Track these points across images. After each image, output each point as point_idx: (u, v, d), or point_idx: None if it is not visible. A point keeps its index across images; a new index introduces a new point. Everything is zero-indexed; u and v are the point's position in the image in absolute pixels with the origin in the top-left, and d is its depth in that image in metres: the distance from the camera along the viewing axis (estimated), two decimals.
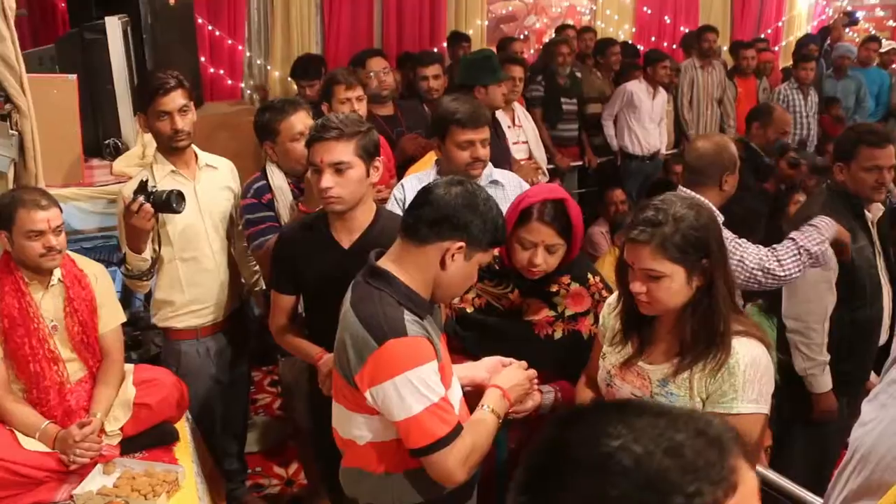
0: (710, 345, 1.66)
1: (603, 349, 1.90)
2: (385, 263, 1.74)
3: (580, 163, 6.01)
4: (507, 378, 1.86)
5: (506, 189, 2.98)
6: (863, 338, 2.92)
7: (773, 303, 3.19)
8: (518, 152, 4.48)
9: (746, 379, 1.64)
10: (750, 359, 1.65)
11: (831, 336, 2.84)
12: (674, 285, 1.64)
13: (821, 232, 2.70)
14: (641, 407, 0.78)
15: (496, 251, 1.95)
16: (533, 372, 1.92)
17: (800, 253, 2.67)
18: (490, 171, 2.97)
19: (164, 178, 2.80)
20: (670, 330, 1.74)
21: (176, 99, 2.71)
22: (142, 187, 2.53)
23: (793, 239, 2.71)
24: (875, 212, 2.94)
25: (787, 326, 2.93)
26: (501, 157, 3.80)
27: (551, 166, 5.47)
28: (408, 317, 1.66)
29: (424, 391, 1.62)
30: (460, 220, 1.67)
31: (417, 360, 1.62)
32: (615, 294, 1.91)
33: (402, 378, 1.60)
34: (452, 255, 1.68)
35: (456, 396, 1.79)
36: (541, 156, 4.66)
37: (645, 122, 5.92)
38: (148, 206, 2.51)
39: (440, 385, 1.66)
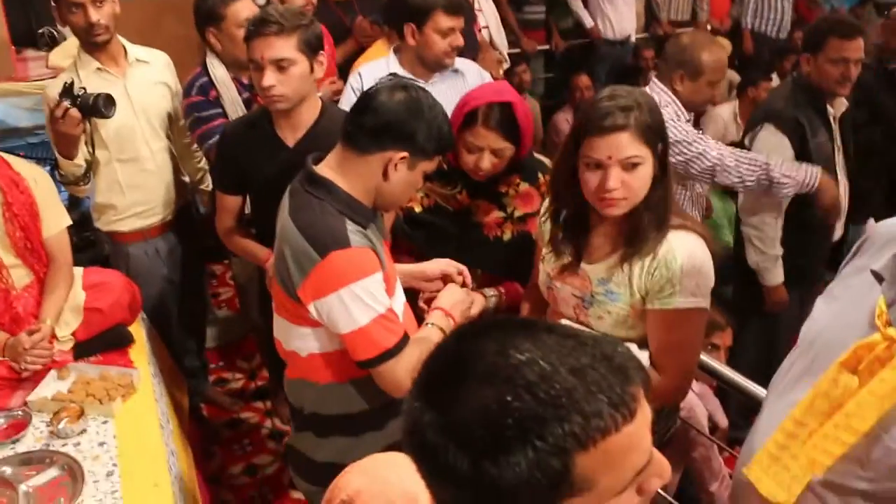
0: (654, 234, 1.64)
1: (542, 253, 1.87)
2: (324, 170, 1.67)
3: (546, 47, 5.82)
4: (448, 298, 1.85)
5: (466, 78, 2.92)
6: (817, 234, 2.95)
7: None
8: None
9: (684, 273, 1.62)
10: (687, 253, 1.63)
11: (786, 231, 2.87)
12: (647, 172, 1.59)
13: (797, 172, 2.66)
14: (550, 327, 0.77)
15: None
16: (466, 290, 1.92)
17: (761, 168, 2.64)
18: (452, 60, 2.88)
19: (90, 77, 2.65)
20: (608, 229, 1.71)
21: None
22: (66, 90, 2.39)
23: (764, 157, 2.69)
24: (838, 107, 2.90)
25: (742, 220, 2.95)
26: (468, 44, 3.68)
27: (517, 50, 5.31)
28: (350, 227, 1.61)
29: (370, 302, 1.60)
30: (404, 130, 1.60)
31: (362, 271, 1.59)
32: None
33: (347, 290, 1.57)
34: (395, 166, 1.63)
35: (399, 303, 1.78)
36: (501, 42, 4.53)
37: (618, 3, 5.69)
38: (74, 111, 2.38)
39: (385, 296, 1.64)
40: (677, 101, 2.71)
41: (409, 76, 2.79)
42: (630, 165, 1.57)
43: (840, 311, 1.41)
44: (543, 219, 1.88)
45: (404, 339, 1.66)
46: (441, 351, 0.79)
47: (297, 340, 1.74)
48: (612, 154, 1.56)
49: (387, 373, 1.64)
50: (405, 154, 1.62)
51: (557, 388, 0.70)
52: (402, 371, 1.64)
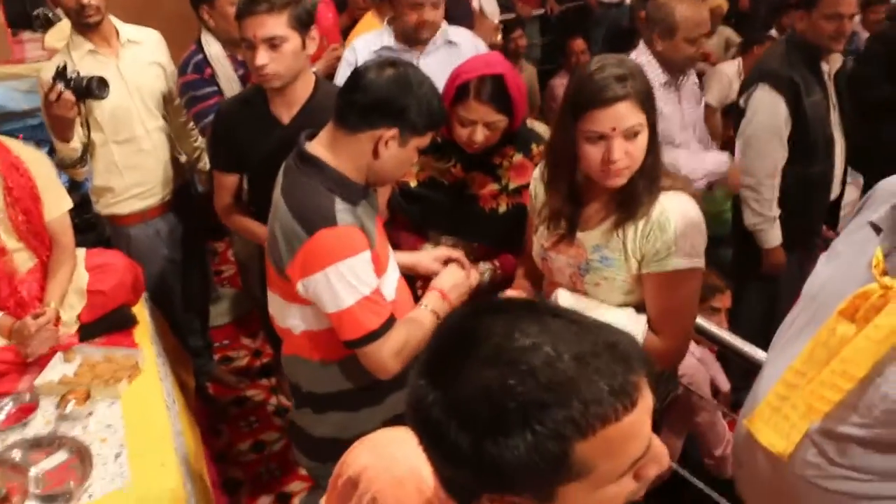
0: (647, 197, 1.64)
1: (535, 224, 1.87)
2: (316, 149, 1.67)
3: (542, 11, 5.78)
4: (446, 280, 1.85)
5: (461, 49, 2.89)
6: (814, 193, 2.94)
7: None
8: None
9: (678, 234, 1.63)
10: (680, 213, 1.64)
11: (783, 191, 2.86)
12: (645, 139, 1.60)
13: (703, 163, 2.74)
14: (556, 311, 0.78)
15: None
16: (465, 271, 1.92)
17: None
18: (445, 31, 2.86)
19: (83, 59, 2.65)
20: (602, 197, 1.72)
21: None
22: (59, 73, 2.39)
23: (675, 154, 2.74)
24: (833, 63, 2.88)
25: (739, 181, 2.94)
26: (461, 13, 3.65)
27: (511, 15, 5.27)
28: (339, 205, 1.61)
29: (355, 283, 1.60)
30: (393, 107, 1.60)
31: (348, 250, 1.59)
32: (542, 165, 1.85)
33: (333, 269, 1.58)
34: (386, 143, 1.62)
35: (391, 281, 1.78)
36: (492, 10, 4.47)
37: None
38: (68, 94, 2.38)
39: (372, 276, 1.64)
40: (655, 65, 2.73)
41: (403, 48, 2.78)
42: (632, 134, 1.57)
43: (841, 264, 1.43)
44: (536, 186, 1.88)
45: (389, 322, 1.66)
46: (447, 330, 0.80)
47: (290, 318, 1.76)
48: (616, 125, 1.56)
49: (371, 354, 1.65)
50: (395, 131, 1.61)
51: (560, 375, 0.71)
52: (387, 353, 1.65)
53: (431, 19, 2.71)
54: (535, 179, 1.89)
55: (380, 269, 1.69)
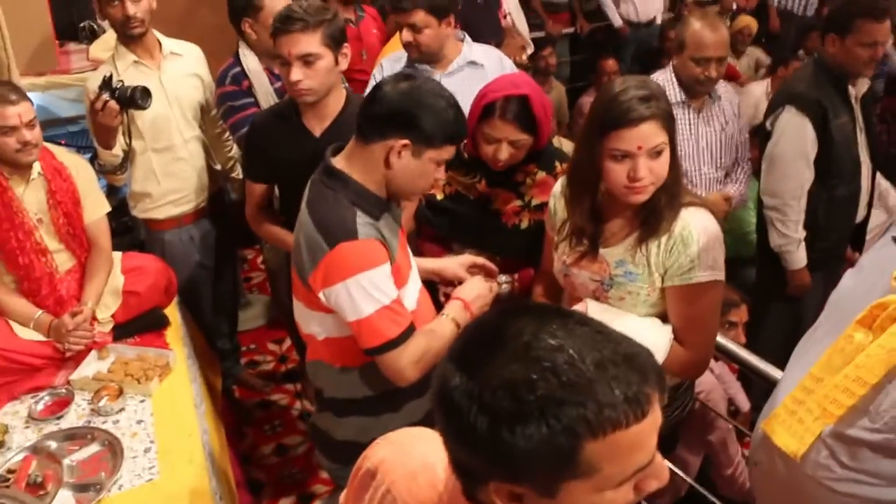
0: (669, 213, 1.69)
1: (555, 240, 1.91)
2: (339, 162, 1.72)
3: (572, 29, 5.81)
4: (469, 290, 1.88)
5: (486, 69, 2.89)
6: (840, 215, 2.94)
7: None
8: None
9: (701, 248, 1.67)
10: (701, 227, 1.68)
11: (808, 213, 2.86)
12: (667, 157, 1.65)
13: None
14: (584, 320, 0.83)
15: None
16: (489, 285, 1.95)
17: None
18: (469, 51, 2.88)
19: (127, 70, 2.75)
20: (624, 213, 1.76)
21: None
22: (105, 83, 2.49)
23: None
24: (860, 87, 2.88)
25: (764, 203, 2.95)
26: (490, 29, 3.70)
27: (542, 33, 5.32)
28: (360, 219, 1.64)
29: (375, 294, 1.64)
30: (404, 118, 1.63)
31: (368, 263, 1.63)
32: (561, 182, 1.89)
33: (353, 281, 1.62)
34: (399, 153, 1.65)
35: (412, 293, 1.82)
36: (523, 27, 4.52)
37: None
38: (113, 103, 2.48)
39: (392, 287, 1.68)
40: (672, 84, 2.78)
41: (426, 67, 2.83)
42: (656, 153, 1.62)
43: (864, 277, 1.48)
44: (555, 203, 1.92)
45: (409, 330, 1.69)
46: (481, 324, 0.85)
47: (313, 325, 1.80)
48: (642, 144, 1.61)
49: (390, 361, 1.68)
50: (406, 141, 1.64)
51: (580, 376, 0.76)
52: (406, 361, 1.68)
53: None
54: (555, 196, 1.93)
55: (400, 281, 1.73)
